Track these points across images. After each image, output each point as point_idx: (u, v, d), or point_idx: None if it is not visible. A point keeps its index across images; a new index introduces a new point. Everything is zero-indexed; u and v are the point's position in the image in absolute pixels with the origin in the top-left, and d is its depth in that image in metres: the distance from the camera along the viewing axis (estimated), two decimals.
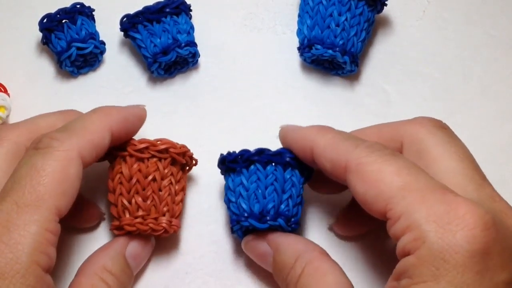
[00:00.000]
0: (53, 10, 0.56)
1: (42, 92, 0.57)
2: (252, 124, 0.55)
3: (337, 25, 0.54)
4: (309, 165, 0.47)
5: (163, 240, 0.50)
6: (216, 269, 0.50)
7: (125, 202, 0.46)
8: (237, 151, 0.49)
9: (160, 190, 0.47)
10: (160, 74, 0.56)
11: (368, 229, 0.49)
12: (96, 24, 0.58)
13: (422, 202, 0.37)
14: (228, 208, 0.49)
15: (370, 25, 0.56)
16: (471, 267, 0.36)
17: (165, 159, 0.47)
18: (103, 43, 0.57)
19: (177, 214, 0.48)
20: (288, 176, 0.48)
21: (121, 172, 0.46)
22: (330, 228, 0.51)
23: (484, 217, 0.37)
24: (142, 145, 0.46)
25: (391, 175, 0.39)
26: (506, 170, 0.54)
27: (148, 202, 0.46)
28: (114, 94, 0.57)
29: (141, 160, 0.47)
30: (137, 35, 0.56)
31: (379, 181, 0.39)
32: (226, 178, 0.49)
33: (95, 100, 0.56)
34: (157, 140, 0.47)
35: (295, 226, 0.48)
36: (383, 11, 0.57)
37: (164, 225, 0.46)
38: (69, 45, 0.55)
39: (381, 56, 0.58)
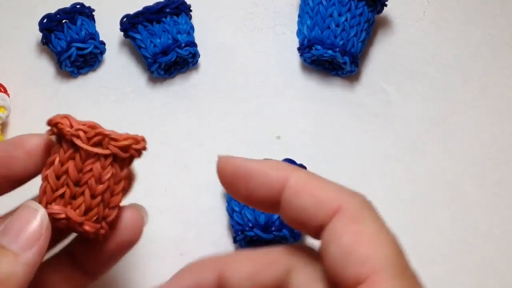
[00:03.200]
0: (53, 10, 0.57)
1: (42, 92, 0.57)
2: (252, 124, 0.55)
3: (337, 26, 0.54)
4: (260, 208, 0.37)
5: (162, 240, 0.50)
6: None
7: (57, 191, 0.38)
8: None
9: (93, 196, 0.38)
10: (160, 74, 0.56)
11: None
12: (96, 24, 0.58)
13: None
14: (231, 217, 0.49)
15: (370, 25, 0.56)
16: None
17: (105, 157, 0.37)
18: (103, 43, 0.57)
19: (109, 219, 0.38)
20: None
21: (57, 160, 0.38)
22: None
23: None
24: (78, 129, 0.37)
25: (390, 245, 0.34)
26: (506, 170, 0.54)
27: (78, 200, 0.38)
28: (114, 94, 0.57)
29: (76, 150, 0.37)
30: (137, 35, 0.56)
31: (377, 243, 0.34)
32: None
33: (95, 100, 0.56)
34: (89, 125, 0.38)
35: (298, 238, 0.48)
36: (383, 11, 0.57)
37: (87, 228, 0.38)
38: (69, 45, 0.55)
39: (381, 56, 0.58)
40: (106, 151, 0.37)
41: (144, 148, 0.39)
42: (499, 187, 0.53)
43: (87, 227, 0.37)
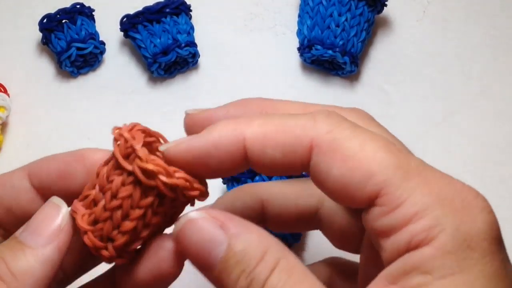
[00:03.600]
0: (53, 10, 0.56)
1: (42, 92, 0.57)
2: None
3: (337, 26, 0.54)
4: (233, 170, 0.34)
5: None
6: None
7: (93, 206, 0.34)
8: None
9: (127, 216, 0.33)
10: (160, 74, 0.56)
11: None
12: (96, 24, 0.58)
13: (426, 184, 0.31)
14: None
15: (370, 25, 0.56)
16: (497, 254, 0.31)
17: (128, 173, 0.33)
18: (103, 43, 0.57)
19: (116, 243, 0.34)
20: None
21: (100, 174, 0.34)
22: None
23: (486, 200, 0.32)
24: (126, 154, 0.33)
25: (379, 151, 0.31)
26: (506, 170, 0.54)
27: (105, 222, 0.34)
28: (114, 94, 0.57)
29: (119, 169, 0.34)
30: (137, 35, 0.56)
31: (368, 159, 0.31)
32: (229, 188, 0.49)
33: (95, 100, 0.56)
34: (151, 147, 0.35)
35: (297, 240, 0.48)
36: (383, 11, 0.57)
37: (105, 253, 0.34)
38: (69, 45, 0.55)
39: (381, 56, 0.58)
40: (128, 166, 0.33)
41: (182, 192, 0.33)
42: (499, 187, 0.53)
43: (86, 239, 0.34)
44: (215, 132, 0.33)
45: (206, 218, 0.32)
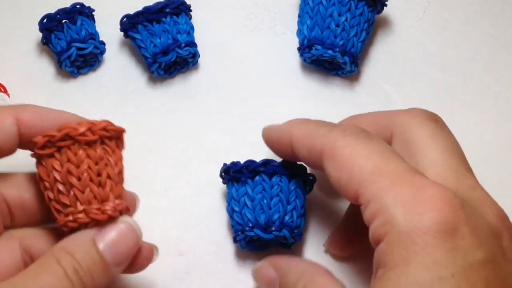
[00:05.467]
0: (53, 10, 0.56)
1: (42, 92, 0.57)
2: (252, 124, 0.55)
3: (337, 26, 0.54)
4: (289, 159, 0.47)
5: (162, 240, 0.50)
6: (216, 269, 0.50)
7: (65, 200, 0.41)
8: (241, 161, 0.49)
9: (99, 175, 0.42)
10: (160, 74, 0.56)
11: (363, 247, 0.47)
12: (96, 24, 0.58)
13: (391, 186, 0.37)
14: (231, 217, 0.49)
15: (370, 25, 0.56)
16: (441, 246, 0.35)
17: (93, 142, 0.42)
18: (103, 43, 0.57)
19: (120, 194, 0.43)
20: (292, 187, 0.48)
21: (54, 169, 0.41)
22: (326, 250, 0.50)
23: (452, 200, 0.36)
24: (61, 133, 0.41)
25: (362, 159, 0.39)
26: (506, 170, 0.54)
27: (86, 192, 0.41)
28: (114, 94, 0.57)
29: (66, 148, 0.41)
30: (137, 35, 0.56)
31: (352, 165, 0.39)
32: (229, 188, 0.49)
33: (95, 100, 0.56)
34: (64, 125, 0.42)
35: (298, 238, 0.48)
36: (383, 11, 0.57)
37: (109, 212, 0.41)
38: (69, 45, 0.55)
39: (381, 56, 0.58)
40: (93, 137, 0.43)
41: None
42: (499, 187, 0.53)
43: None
44: (275, 127, 0.47)
45: (263, 266, 0.45)
